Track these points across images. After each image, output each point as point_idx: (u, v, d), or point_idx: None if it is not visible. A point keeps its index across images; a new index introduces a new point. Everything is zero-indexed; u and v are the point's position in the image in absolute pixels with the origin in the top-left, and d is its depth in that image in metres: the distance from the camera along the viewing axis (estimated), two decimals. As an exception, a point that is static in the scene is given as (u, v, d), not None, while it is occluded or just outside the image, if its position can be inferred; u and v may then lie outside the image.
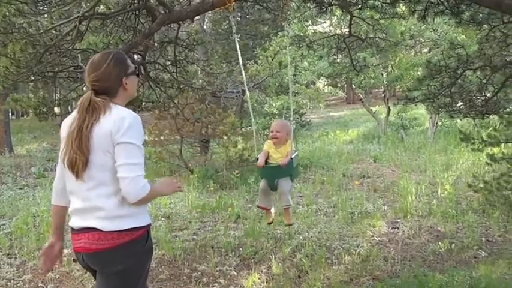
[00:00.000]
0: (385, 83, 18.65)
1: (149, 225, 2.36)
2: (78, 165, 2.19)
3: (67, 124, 2.33)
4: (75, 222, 2.31)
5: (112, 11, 5.69)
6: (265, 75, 12.42)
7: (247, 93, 4.96)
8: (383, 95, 20.14)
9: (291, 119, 4.01)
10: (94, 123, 2.20)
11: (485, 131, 10.05)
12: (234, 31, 4.36)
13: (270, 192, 3.91)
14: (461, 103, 7.22)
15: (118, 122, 2.18)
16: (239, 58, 4.24)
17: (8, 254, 5.72)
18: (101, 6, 5.86)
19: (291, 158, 3.63)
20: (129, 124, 2.20)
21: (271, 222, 4.12)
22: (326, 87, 27.94)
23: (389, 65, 18.12)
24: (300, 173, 10.83)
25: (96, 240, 2.20)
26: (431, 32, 15.80)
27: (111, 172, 2.20)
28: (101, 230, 2.20)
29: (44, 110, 5.73)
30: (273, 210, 4.06)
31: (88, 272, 4.87)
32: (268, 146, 3.82)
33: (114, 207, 2.21)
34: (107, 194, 2.21)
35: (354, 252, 5.51)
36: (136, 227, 2.25)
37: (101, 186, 2.22)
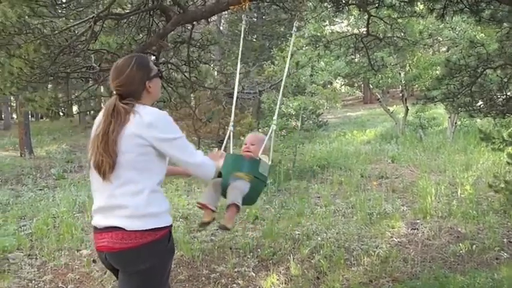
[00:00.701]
0: (403, 82, 18.48)
1: (171, 225, 2.38)
2: (105, 167, 2.22)
3: (95, 125, 2.38)
4: (98, 221, 2.34)
5: (127, 11, 5.73)
6: (282, 75, 12.38)
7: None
8: (401, 94, 19.98)
9: (275, 126, 3.56)
10: (120, 126, 2.23)
11: (506, 131, 9.90)
12: (243, 30, 4.32)
13: (220, 190, 3.19)
14: (482, 102, 7.11)
15: (146, 123, 2.23)
16: (238, 59, 4.09)
17: (29, 255, 5.79)
18: (116, 7, 5.90)
19: (259, 159, 3.19)
20: (159, 121, 2.26)
21: (208, 223, 3.03)
22: (343, 87, 27.78)
23: (407, 64, 17.95)
24: (317, 173, 10.81)
25: (120, 239, 2.22)
26: (449, 30, 15.61)
27: (138, 171, 2.25)
28: (124, 229, 2.22)
29: (56, 110, 5.75)
30: (213, 212, 3.16)
31: (108, 272, 4.96)
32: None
33: (139, 206, 2.23)
34: (133, 193, 2.24)
35: (373, 254, 5.47)
36: (159, 227, 2.27)
37: (127, 185, 2.24)
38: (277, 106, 3.84)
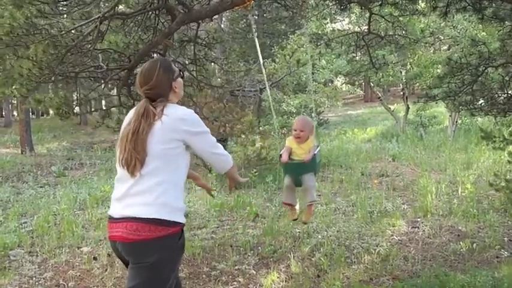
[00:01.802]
0: (404, 80, 18.48)
1: (184, 224, 2.49)
2: (134, 164, 2.37)
3: (124, 124, 2.55)
4: (115, 210, 2.44)
5: (132, 10, 5.73)
6: (283, 73, 12.40)
7: (268, 91, 4.84)
8: (402, 93, 19.96)
9: (313, 115, 3.97)
10: (150, 125, 2.39)
11: (507, 129, 9.89)
12: (254, 30, 4.35)
13: (295, 188, 3.85)
14: (483, 101, 7.10)
15: (181, 118, 2.44)
16: (259, 57, 4.18)
17: (30, 252, 5.79)
18: (121, 6, 5.90)
19: (314, 154, 3.59)
20: (191, 117, 2.48)
21: (296, 219, 4.04)
22: (344, 85, 27.78)
23: (408, 63, 17.94)
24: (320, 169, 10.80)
25: (134, 230, 2.32)
26: (451, 29, 15.60)
27: (165, 162, 2.39)
28: (139, 220, 2.32)
29: (66, 109, 5.79)
30: (297, 207, 3.97)
31: (109, 269, 4.97)
32: (290, 142, 3.75)
33: (160, 194, 2.36)
34: (157, 182, 2.37)
35: (373, 252, 5.47)
36: (173, 221, 2.38)
37: (152, 175, 2.37)
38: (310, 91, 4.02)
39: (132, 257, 2.41)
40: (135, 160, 2.35)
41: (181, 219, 2.45)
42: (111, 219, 2.46)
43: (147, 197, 2.35)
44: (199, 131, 2.48)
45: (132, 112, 2.55)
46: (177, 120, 2.41)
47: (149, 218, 2.31)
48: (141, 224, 2.31)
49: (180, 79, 2.66)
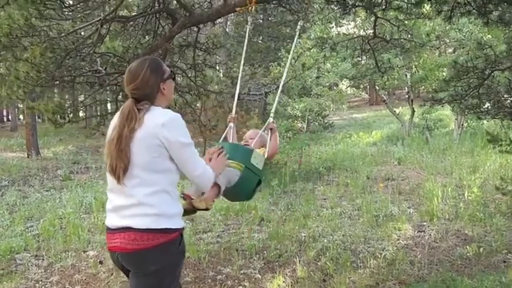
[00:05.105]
0: (409, 83, 18.43)
1: (183, 228, 2.44)
2: (119, 171, 2.29)
3: (110, 128, 2.45)
4: (111, 221, 2.40)
5: (133, 13, 5.74)
6: (288, 77, 12.39)
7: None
8: (407, 96, 19.91)
9: (271, 119, 3.52)
10: (134, 130, 2.30)
11: (514, 132, 9.84)
12: (248, 31, 4.33)
13: None
14: (489, 104, 7.08)
15: (160, 124, 2.29)
16: (242, 61, 4.10)
17: (36, 256, 5.81)
18: (122, 9, 5.91)
19: (252, 149, 3.16)
20: (173, 123, 2.32)
21: (189, 212, 2.79)
22: (349, 88, 27.74)
23: (413, 66, 17.89)
24: (323, 175, 10.79)
25: (132, 240, 2.28)
26: (456, 31, 15.54)
27: (153, 171, 2.31)
28: (137, 229, 2.27)
29: (62, 115, 5.73)
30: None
31: (114, 274, 4.97)
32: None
33: (154, 205, 2.30)
34: (148, 193, 2.30)
35: (379, 256, 5.45)
36: (171, 228, 2.33)
37: (143, 185, 2.31)
38: (276, 99, 3.90)
39: (133, 266, 2.38)
40: (120, 168, 2.29)
41: (179, 224, 2.40)
42: (109, 230, 2.41)
43: (142, 209, 2.29)
44: (177, 141, 2.32)
45: (117, 115, 2.44)
46: (156, 126, 2.29)
47: (147, 228, 2.28)
48: (140, 234, 2.27)
49: (170, 81, 2.52)
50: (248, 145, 3.31)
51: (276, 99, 4.07)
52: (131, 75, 2.42)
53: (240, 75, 4.18)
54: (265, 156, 3.22)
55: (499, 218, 6.66)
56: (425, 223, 6.83)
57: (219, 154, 2.72)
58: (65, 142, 21.70)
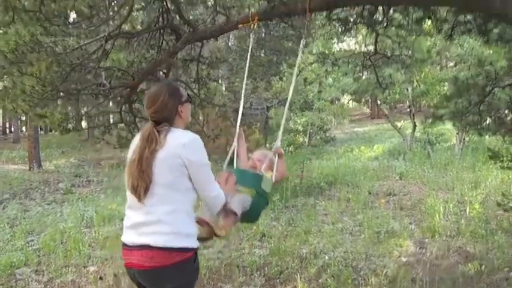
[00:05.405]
0: (411, 98, 18.46)
1: (197, 248, 2.53)
2: (140, 191, 2.39)
3: (130, 150, 2.56)
4: (128, 238, 2.47)
5: (138, 29, 5.78)
6: (289, 92, 12.41)
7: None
8: (408, 110, 19.92)
9: (278, 144, 3.53)
10: (155, 151, 2.41)
11: (515, 148, 9.81)
12: (250, 48, 4.36)
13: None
14: (490, 120, 7.08)
15: (182, 144, 2.41)
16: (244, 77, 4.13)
17: (36, 271, 5.81)
18: (126, 23, 5.96)
19: (262, 175, 3.19)
20: (192, 144, 2.45)
21: (204, 240, 2.80)
22: (351, 102, 27.77)
23: (415, 80, 17.93)
24: (324, 190, 10.77)
25: (150, 258, 2.36)
26: (457, 47, 15.60)
27: (174, 190, 2.42)
28: (154, 247, 2.35)
29: (67, 125, 5.81)
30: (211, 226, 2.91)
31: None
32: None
33: (173, 223, 2.39)
34: (168, 211, 2.40)
35: (380, 273, 5.43)
36: (188, 248, 2.42)
37: (163, 204, 2.40)
38: (282, 123, 3.87)
39: (150, 283, 2.45)
40: (141, 188, 2.38)
41: (195, 244, 2.49)
42: (126, 247, 2.48)
43: (161, 226, 2.37)
44: (196, 161, 2.43)
45: (137, 137, 2.56)
46: (177, 147, 2.40)
47: (164, 247, 2.35)
48: (157, 252, 2.35)
49: (188, 104, 2.65)
50: (255, 167, 3.31)
51: (282, 123, 3.98)
52: (151, 99, 2.55)
53: (243, 91, 4.20)
54: (273, 181, 3.26)
55: (501, 235, 6.64)
56: (426, 240, 6.81)
57: (228, 179, 2.80)
58: (67, 155, 21.73)
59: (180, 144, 2.40)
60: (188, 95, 2.69)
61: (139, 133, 2.57)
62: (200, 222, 2.78)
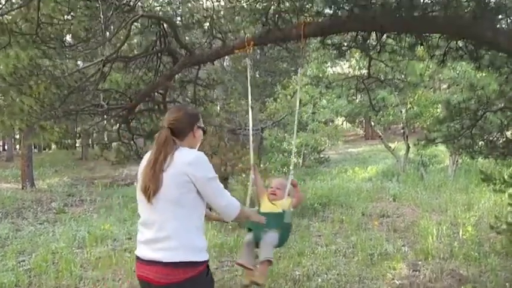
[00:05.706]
0: (404, 119, 18.61)
1: (208, 260, 2.65)
2: (150, 192, 2.52)
3: (144, 158, 2.73)
4: (143, 252, 2.59)
5: (135, 52, 5.86)
6: (284, 113, 12.52)
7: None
8: (402, 131, 20.06)
9: (291, 173, 3.86)
10: (167, 158, 2.55)
11: (507, 170, 9.90)
12: (248, 73, 4.47)
13: (253, 247, 3.45)
14: (482, 143, 7.15)
15: (187, 162, 2.54)
16: (249, 100, 4.31)
17: (27, 292, 5.76)
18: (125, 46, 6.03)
19: (283, 211, 3.50)
20: (198, 160, 2.58)
21: (248, 286, 3.31)
22: (345, 123, 27.92)
23: (408, 102, 18.11)
24: (318, 211, 10.77)
25: (164, 275, 2.47)
26: (450, 70, 15.81)
27: (182, 207, 2.53)
28: (168, 264, 2.47)
29: (67, 141, 5.85)
30: (254, 269, 3.33)
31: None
32: (262, 198, 3.68)
33: (184, 237, 2.52)
34: (180, 226, 2.52)
35: (374, 296, 5.42)
36: (199, 261, 2.54)
37: (174, 219, 2.52)
38: (293, 154, 4.15)
39: None
40: (151, 189, 2.51)
41: (206, 257, 2.61)
42: (140, 260, 2.60)
43: (173, 242, 2.49)
44: (205, 176, 2.55)
45: (150, 151, 2.69)
46: (183, 165, 2.52)
47: (178, 262, 2.46)
48: (171, 268, 2.46)
49: (201, 131, 2.82)
50: (275, 194, 3.62)
51: (293, 154, 4.45)
52: (174, 110, 2.79)
53: (250, 119, 4.43)
54: (291, 209, 3.59)
55: (494, 258, 6.66)
56: (420, 262, 6.81)
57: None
58: (61, 173, 21.65)
59: (185, 162, 2.53)
60: (204, 126, 2.88)
61: (154, 141, 2.69)
62: (241, 266, 3.28)
